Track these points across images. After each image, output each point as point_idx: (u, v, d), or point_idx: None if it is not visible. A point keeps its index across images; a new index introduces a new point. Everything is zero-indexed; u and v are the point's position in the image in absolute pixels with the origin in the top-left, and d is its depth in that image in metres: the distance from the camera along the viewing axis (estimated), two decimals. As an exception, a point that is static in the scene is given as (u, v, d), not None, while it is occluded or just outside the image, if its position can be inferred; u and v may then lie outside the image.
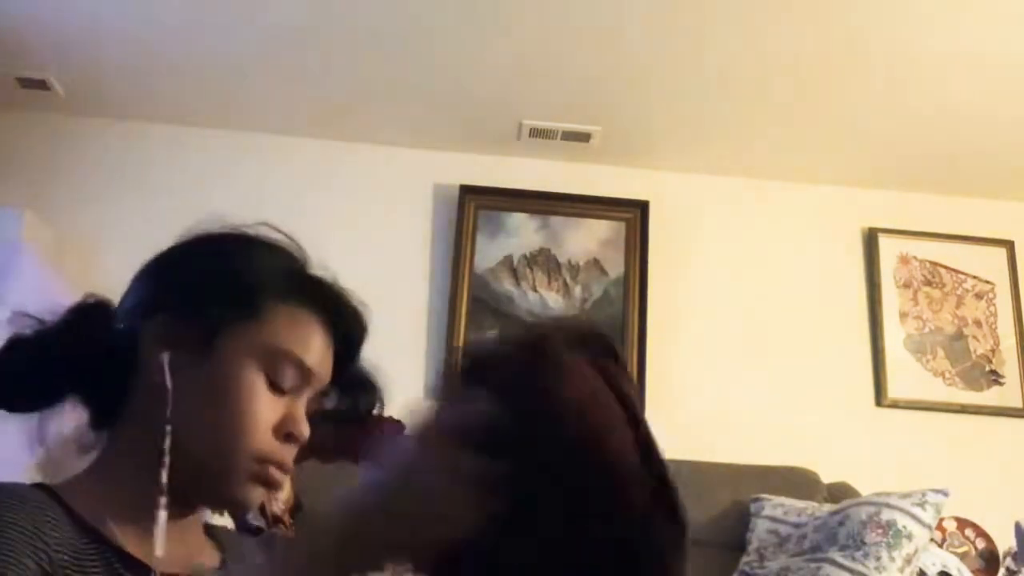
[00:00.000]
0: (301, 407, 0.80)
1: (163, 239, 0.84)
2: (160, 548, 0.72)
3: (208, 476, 0.77)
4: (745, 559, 2.52)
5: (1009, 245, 3.35)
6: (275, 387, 0.79)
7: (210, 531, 0.89)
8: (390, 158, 3.30)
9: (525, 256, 3.21)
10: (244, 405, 0.77)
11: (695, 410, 3.07)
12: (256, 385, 0.78)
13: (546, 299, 3.17)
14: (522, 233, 3.24)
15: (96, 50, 2.81)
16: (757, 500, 2.66)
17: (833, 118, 2.96)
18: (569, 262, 3.22)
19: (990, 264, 3.33)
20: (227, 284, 0.80)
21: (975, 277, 3.31)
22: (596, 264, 3.22)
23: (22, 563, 0.66)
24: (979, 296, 3.30)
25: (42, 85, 3.01)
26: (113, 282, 0.85)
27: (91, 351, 0.79)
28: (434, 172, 3.29)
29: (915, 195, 3.39)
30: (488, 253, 3.19)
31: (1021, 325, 3.26)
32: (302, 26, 2.64)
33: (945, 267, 3.32)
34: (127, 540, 0.74)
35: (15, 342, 0.79)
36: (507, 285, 3.17)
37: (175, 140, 3.24)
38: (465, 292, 3.11)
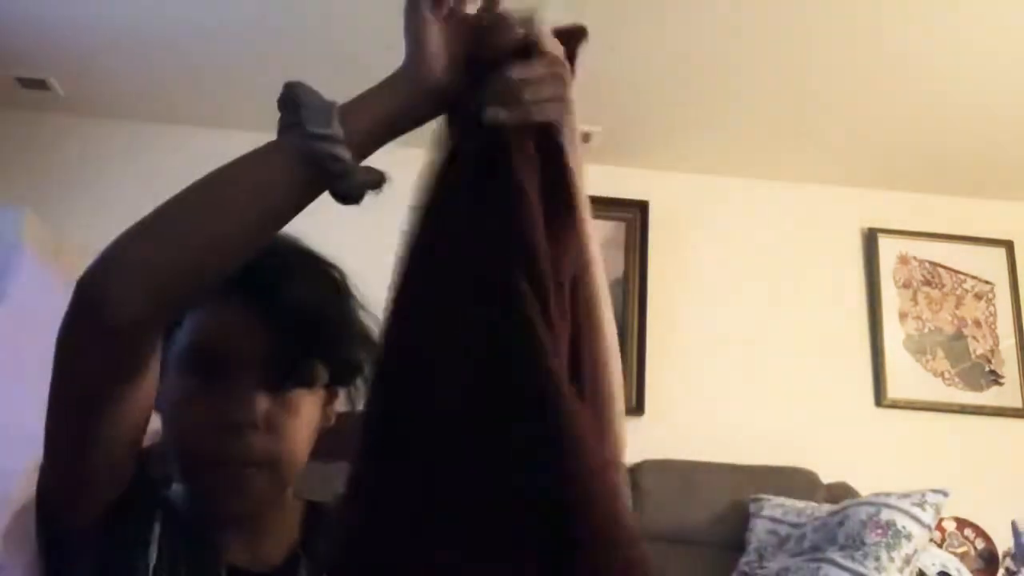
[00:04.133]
0: (240, 391, 0.76)
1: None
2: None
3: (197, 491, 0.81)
4: (744, 559, 2.53)
5: (1009, 245, 3.35)
6: (196, 379, 0.78)
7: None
8: (389, 160, 3.27)
9: (525, 256, 3.21)
10: (169, 415, 0.78)
11: (695, 410, 3.07)
12: (174, 391, 0.78)
13: (546, 299, 3.17)
14: (522, 233, 3.23)
15: (96, 50, 2.81)
16: (757, 500, 2.66)
17: (833, 118, 2.96)
18: (569, 262, 3.21)
19: (990, 264, 3.33)
20: None
21: (975, 277, 3.31)
22: (596, 264, 3.22)
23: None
24: (979, 296, 3.30)
25: (42, 85, 3.01)
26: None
27: None
28: (434, 172, 3.29)
29: (915, 195, 3.39)
30: (488, 253, 3.19)
31: (1020, 325, 3.26)
32: (302, 27, 2.64)
33: (945, 267, 3.32)
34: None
35: None
36: (507, 285, 3.17)
37: (175, 140, 3.24)
38: (465, 292, 3.11)
